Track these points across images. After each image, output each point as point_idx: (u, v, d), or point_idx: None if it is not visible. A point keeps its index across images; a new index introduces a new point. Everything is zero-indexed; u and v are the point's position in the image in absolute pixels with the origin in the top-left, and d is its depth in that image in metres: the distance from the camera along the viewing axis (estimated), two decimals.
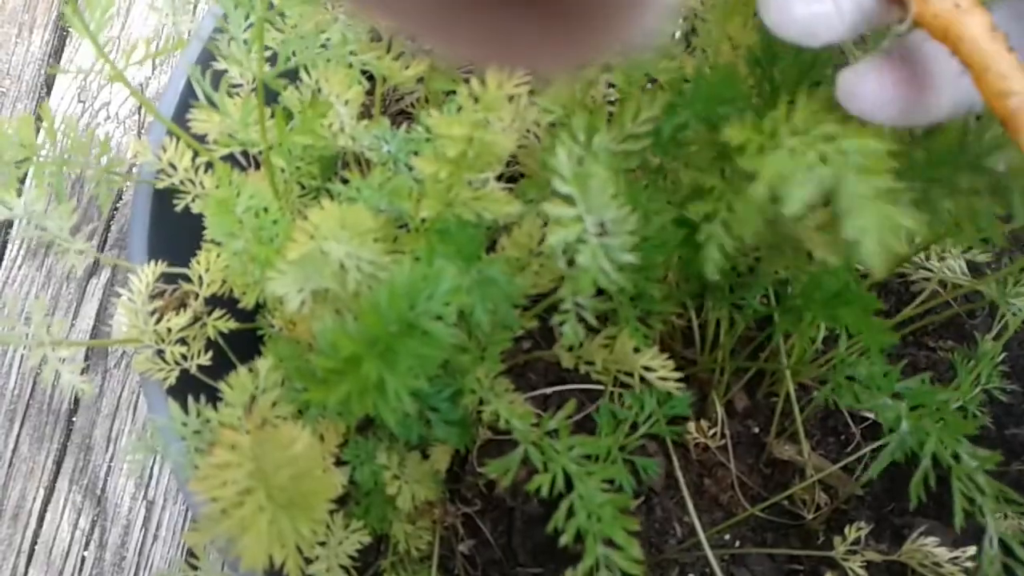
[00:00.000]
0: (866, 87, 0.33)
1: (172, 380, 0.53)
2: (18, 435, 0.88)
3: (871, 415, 0.73)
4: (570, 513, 0.47)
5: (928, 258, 0.70)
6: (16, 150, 0.46)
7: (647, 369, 0.49)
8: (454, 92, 0.66)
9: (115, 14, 0.88)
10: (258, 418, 0.41)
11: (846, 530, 0.63)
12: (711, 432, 0.71)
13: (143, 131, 0.99)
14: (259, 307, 0.59)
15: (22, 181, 0.49)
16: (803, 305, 0.51)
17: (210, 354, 0.54)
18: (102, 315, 0.94)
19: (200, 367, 0.55)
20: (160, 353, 0.54)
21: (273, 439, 0.34)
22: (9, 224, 0.97)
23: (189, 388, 0.55)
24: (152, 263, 0.52)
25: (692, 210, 0.37)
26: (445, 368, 0.48)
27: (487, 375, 0.49)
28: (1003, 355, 0.68)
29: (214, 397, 0.54)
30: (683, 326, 0.73)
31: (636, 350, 0.54)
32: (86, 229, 0.95)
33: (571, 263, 0.33)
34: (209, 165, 0.58)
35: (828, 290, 0.50)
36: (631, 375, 0.52)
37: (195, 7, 0.49)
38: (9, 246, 0.96)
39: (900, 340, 0.77)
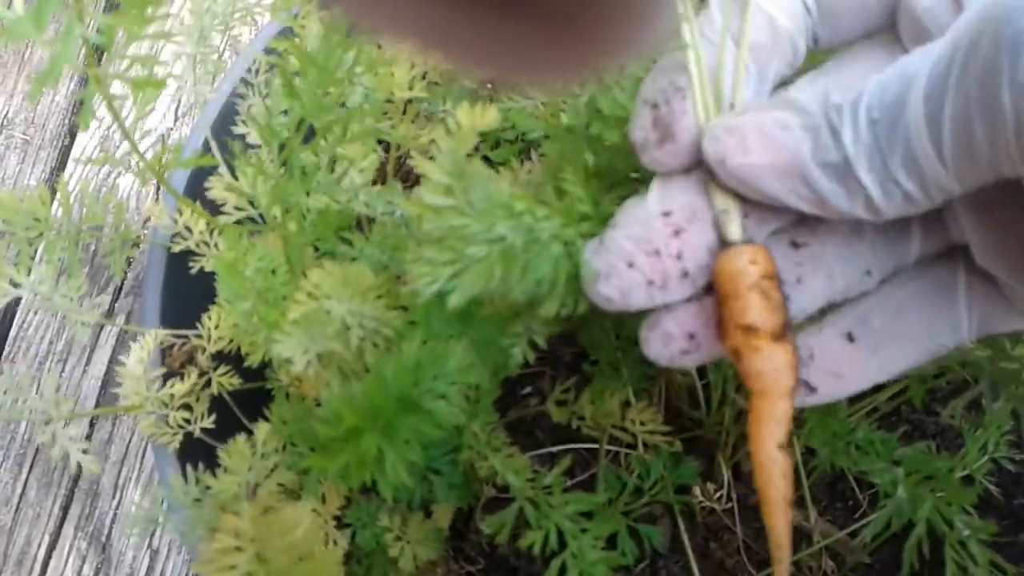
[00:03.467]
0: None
1: (176, 444, 0.54)
2: (26, 480, 0.89)
3: (878, 482, 0.72)
4: (562, 571, 0.47)
5: None
6: (30, 224, 0.47)
7: (640, 424, 0.49)
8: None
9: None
10: (261, 504, 0.41)
11: None
12: (717, 495, 0.71)
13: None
14: (266, 364, 0.60)
15: (33, 257, 0.50)
16: None
17: (214, 416, 0.55)
18: (115, 360, 0.95)
19: (205, 429, 0.56)
20: (164, 418, 0.54)
21: (275, 523, 0.35)
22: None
23: (196, 448, 0.55)
24: (158, 329, 0.53)
25: None
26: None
27: (483, 428, 0.49)
28: (1012, 424, 0.67)
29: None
30: (689, 385, 0.73)
31: (627, 404, 0.54)
32: (101, 279, 0.96)
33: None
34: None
35: None
36: (624, 430, 0.51)
37: (214, 77, 0.51)
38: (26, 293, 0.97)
39: (907, 406, 0.76)
